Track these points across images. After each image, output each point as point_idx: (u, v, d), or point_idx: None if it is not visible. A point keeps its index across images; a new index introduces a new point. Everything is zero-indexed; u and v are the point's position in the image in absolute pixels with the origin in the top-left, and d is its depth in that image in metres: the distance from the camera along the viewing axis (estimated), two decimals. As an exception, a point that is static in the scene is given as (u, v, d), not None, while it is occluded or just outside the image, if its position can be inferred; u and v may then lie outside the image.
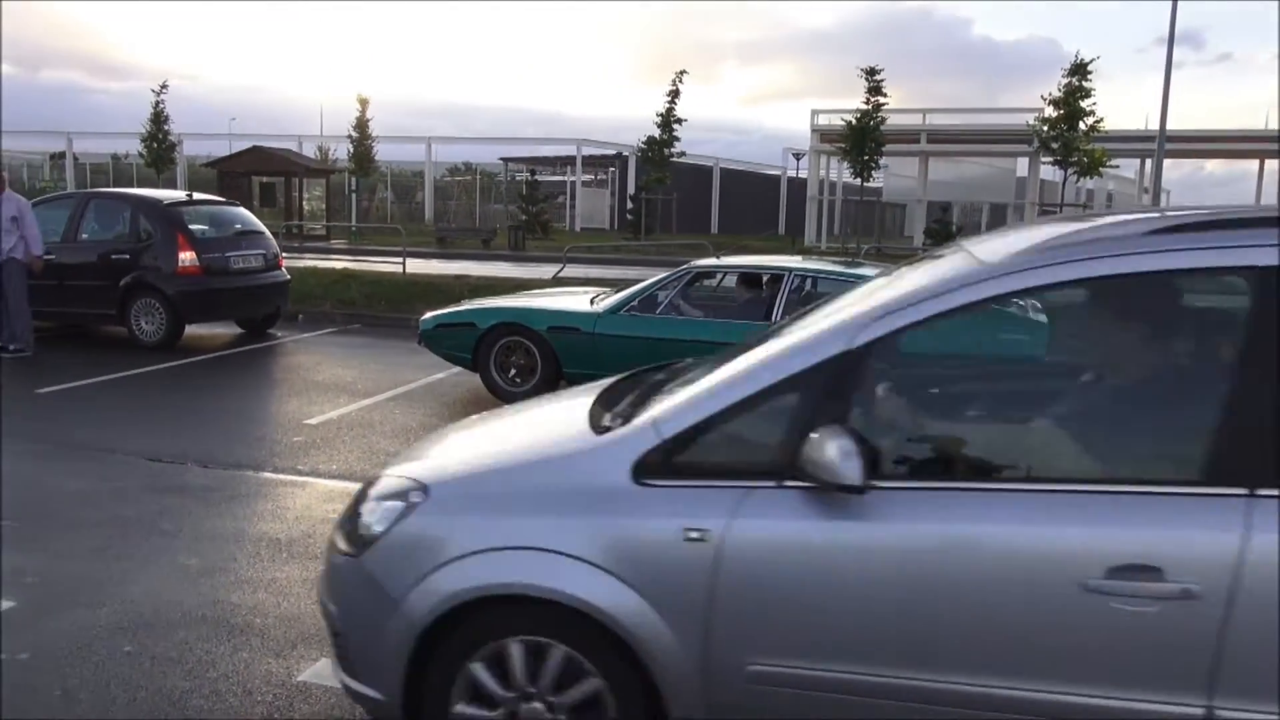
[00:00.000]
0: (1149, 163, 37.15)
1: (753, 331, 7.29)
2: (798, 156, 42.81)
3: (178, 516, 5.06)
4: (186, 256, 10.07)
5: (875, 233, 30.70)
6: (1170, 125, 32.73)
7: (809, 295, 7.45)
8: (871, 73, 27.07)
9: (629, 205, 44.02)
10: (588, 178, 50.54)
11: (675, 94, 29.72)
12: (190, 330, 10.56)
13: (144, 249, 10.16)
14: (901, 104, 27.30)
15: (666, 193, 30.20)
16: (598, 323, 7.51)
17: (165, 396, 8.21)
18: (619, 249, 26.38)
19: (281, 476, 5.85)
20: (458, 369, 8.54)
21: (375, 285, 14.10)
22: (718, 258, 8.33)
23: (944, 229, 33.70)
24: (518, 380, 7.84)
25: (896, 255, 25.67)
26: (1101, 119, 24.00)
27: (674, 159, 30.64)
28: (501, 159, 52.45)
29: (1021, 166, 49.71)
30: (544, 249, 29.47)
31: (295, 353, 10.37)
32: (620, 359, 7.47)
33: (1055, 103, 24.03)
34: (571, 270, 17.09)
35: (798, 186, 50.87)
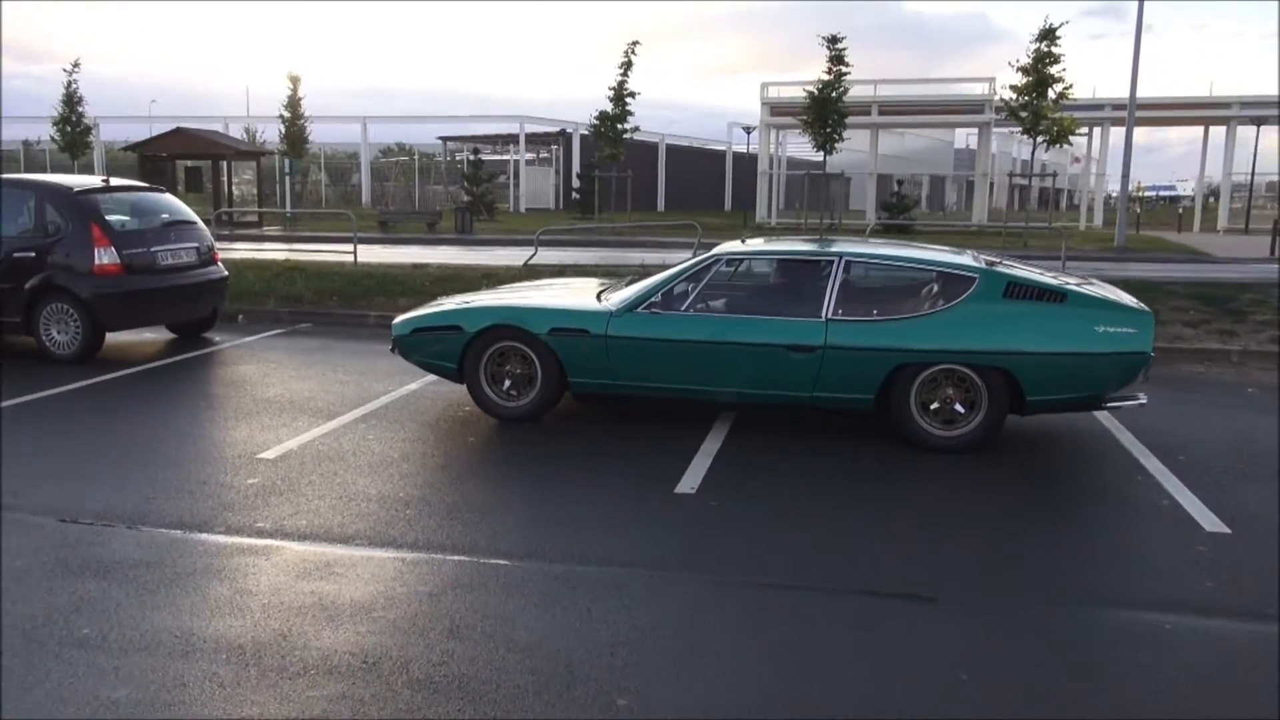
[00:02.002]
0: (1097, 131, 37.18)
1: (801, 329, 6.18)
2: (748, 130, 41.67)
3: (101, 613, 3.76)
4: (104, 253, 8.59)
5: (832, 208, 29.74)
6: (1106, 94, 32.59)
7: (861, 284, 6.35)
8: (833, 41, 25.94)
9: (575, 184, 42.67)
10: (530, 156, 48.92)
11: (628, 66, 28.24)
12: (112, 339, 9.08)
13: (53, 245, 8.64)
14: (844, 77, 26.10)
15: (620, 169, 28.76)
16: (611, 323, 6.29)
17: (83, 426, 6.77)
18: (593, 230, 25.04)
19: (238, 540, 4.55)
20: (434, 376, 7.28)
21: (324, 278, 12.63)
22: (742, 241, 7.14)
23: (900, 202, 33.16)
24: (513, 393, 6.60)
25: (854, 230, 24.87)
26: (1070, 85, 23.22)
27: (627, 134, 29.21)
28: (440, 138, 50.67)
29: (961, 138, 49.47)
30: (492, 231, 28.03)
31: (239, 361, 8.96)
32: (640, 367, 6.29)
33: (1024, 70, 23.16)
34: (534, 254, 15.71)
35: (742, 161, 50.00)
